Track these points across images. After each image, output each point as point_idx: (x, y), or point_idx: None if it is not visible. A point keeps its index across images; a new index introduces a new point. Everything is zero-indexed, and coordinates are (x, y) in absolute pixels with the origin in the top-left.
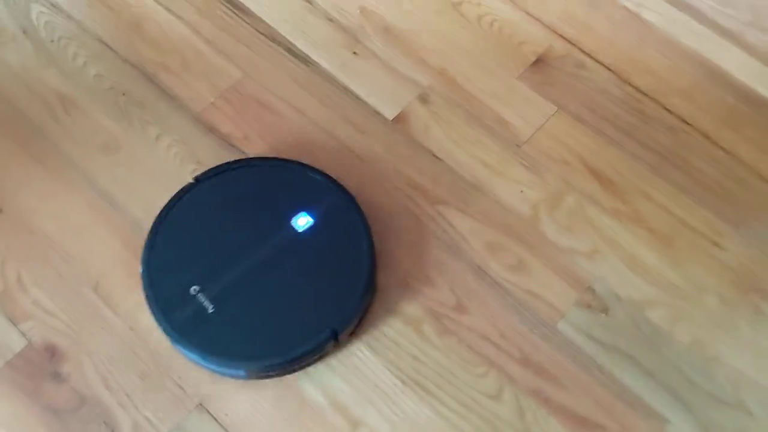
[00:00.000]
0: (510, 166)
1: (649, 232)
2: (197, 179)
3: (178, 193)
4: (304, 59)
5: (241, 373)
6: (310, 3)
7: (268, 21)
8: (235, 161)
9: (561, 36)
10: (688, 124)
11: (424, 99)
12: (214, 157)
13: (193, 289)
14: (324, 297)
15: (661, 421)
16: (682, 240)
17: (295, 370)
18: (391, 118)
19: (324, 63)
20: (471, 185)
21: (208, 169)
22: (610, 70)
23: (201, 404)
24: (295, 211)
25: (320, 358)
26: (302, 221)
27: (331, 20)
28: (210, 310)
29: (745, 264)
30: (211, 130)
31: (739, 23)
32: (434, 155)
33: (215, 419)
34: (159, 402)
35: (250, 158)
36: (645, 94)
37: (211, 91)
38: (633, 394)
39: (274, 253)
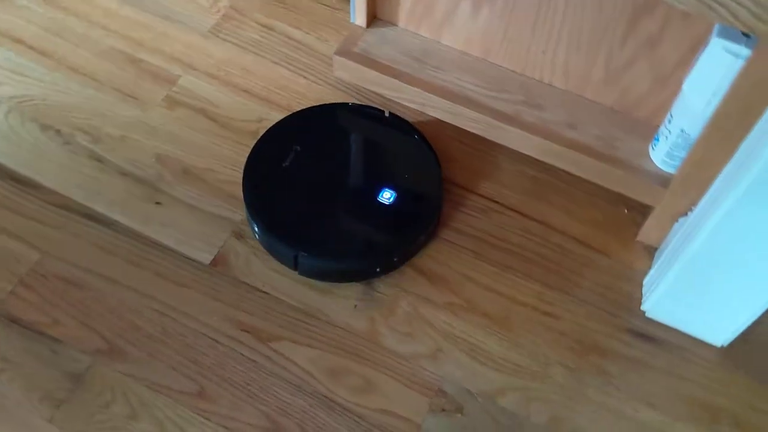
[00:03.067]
0: (338, 284)
1: (484, 317)
2: None
3: None
4: (105, 221)
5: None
6: (101, 161)
7: (58, 190)
8: None
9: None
10: (495, 202)
11: (239, 234)
12: (17, 354)
13: None
14: None
15: None
16: (517, 318)
17: None
18: (208, 263)
19: (125, 221)
20: (302, 312)
21: None
22: None
23: None
24: None
25: None
26: None
27: (125, 174)
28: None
29: (578, 326)
30: (13, 321)
31: (512, 105)
32: (260, 290)
33: None
34: None
35: None
36: (451, 182)
37: (9, 279)
38: None
39: None
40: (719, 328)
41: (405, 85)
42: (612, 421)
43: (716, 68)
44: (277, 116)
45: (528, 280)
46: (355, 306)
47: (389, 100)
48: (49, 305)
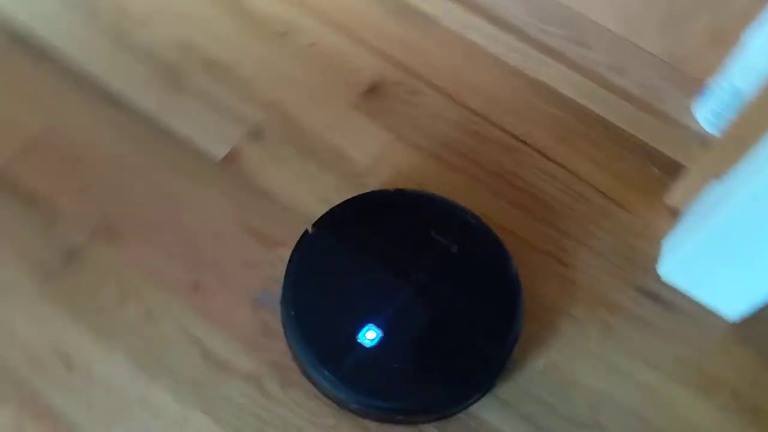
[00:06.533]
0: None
1: None
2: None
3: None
4: (120, 102)
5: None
6: (123, 39)
7: (77, 62)
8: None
9: (393, 62)
10: (523, 142)
11: (255, 135)
12: (14, 217)
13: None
14: None
15: None
16: (529, 261)
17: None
18: (219, 159)
19: (142, 104)
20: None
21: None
22: (443, 93)
23: None
24: None
25: None
26: None
27: (148, 58)
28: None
29: (589, 278)
30: (13, 188)
31: (559, 40)
32: (268, 195)
33: None
34: None
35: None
36: (479, 115)
37: (12, 146)
38: (491, 426)
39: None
40: (735, 301)
41: (448, 2)
42: (608, 376)
43: None
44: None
45: (544, 225)
46: None
47: None
48: (52, 177)
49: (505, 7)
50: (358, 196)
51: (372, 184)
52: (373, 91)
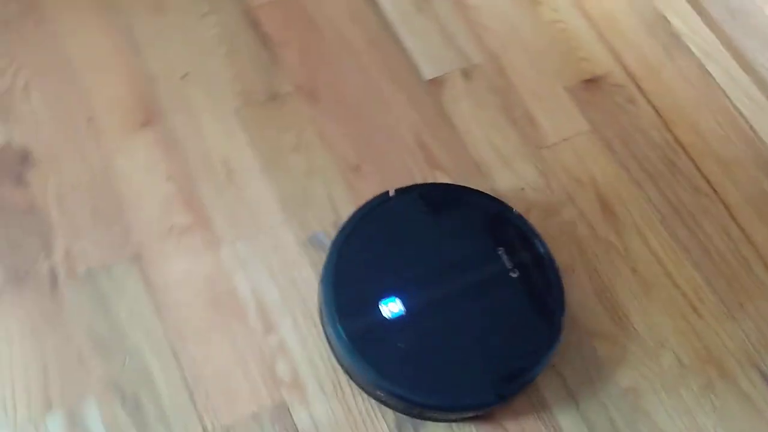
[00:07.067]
0: (522, 163)
1: (631, 271)
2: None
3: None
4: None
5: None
6: None
7: None
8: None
9: (624, 67)
10: (714, 191)
11: (466, 74)
12: (246, 47)
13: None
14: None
15: None
16: (662, 292)
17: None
18: (426, 79)
19: (388, 7)
20: (476, 165)
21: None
22: (658, 114)
23: (137, 256)
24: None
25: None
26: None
27: None
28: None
29: (714, 336)
30: (255, 25)
31: None
32: (453, 126)
33: (142, 276)
34: (100, 241)
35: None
36: (683, 148)
37: None
38: (548, 407)
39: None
40: None
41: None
42: (687, 429)
43: None
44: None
45: (696, 269)
46: (523, 189)
47: None
48: (288, 31)
49: (756, 50)
50: (453, 185)
51: (548, 158)
52: (593, 82)
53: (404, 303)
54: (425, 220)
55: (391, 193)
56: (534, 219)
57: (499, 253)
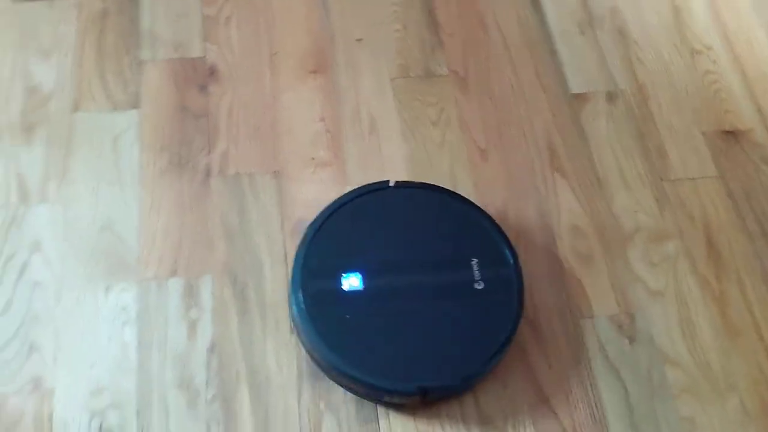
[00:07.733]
0: (642, 188)
1: (721, 315)
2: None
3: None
4: (536, 5)
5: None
6: None
7: None
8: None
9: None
10: None
11: (611, 96)
12: (417, 28)
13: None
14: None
15: None
16: (746, 340)
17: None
18: (572, 92)
19: (552, 19)
20: (597, 178)
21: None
22: None
23: (278, 173)
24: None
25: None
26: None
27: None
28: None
29: None
30: (430, 12)
31: None
32: (585, 139)
33: (278, 190)
34: (252, 152)
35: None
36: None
37: None
38: (602, 411)
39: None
40: None
41: None
42: None
43: None
44: None
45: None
46: (636, 212)
47: None
48: (458, 23)
49: None
50: (458, 194)
51: (668, 191)
52: (732, 134)
53: (364, 281)
54: (414, 216)
55: (391, 183)
56: (636, 241)
57: (472, 263)
